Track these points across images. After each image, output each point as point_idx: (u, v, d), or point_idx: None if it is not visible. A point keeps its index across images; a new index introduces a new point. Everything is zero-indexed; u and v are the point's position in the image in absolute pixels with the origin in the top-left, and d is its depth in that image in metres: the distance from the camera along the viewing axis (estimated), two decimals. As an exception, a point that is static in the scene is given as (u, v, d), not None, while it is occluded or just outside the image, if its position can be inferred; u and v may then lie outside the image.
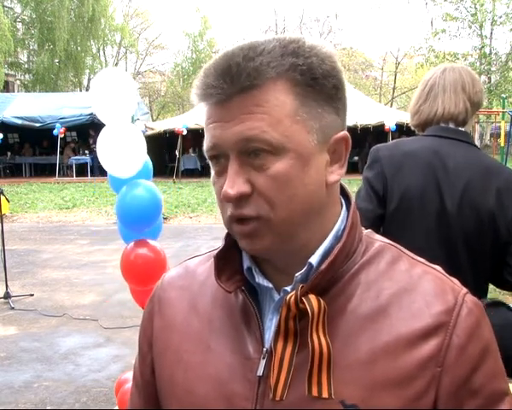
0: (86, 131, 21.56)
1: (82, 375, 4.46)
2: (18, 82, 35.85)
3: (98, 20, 32.48)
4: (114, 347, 5.05)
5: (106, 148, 2.45)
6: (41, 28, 30.94)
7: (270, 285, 0.78)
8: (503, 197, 1.78)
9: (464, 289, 0.77)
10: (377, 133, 19.62)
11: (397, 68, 37.93)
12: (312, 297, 0.73)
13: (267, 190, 0.71)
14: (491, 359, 0.74)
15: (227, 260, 0.81)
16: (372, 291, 0.76)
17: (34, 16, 31.86)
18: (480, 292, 1.78)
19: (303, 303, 0.72)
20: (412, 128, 2.02)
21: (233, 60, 0.71)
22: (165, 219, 10.74)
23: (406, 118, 21.41)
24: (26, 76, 34.93)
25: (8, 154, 22.62)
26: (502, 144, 14.84)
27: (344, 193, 0.83)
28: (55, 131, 19.92)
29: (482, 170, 1.81)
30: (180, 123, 19.89)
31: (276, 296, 0.78)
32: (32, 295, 6.61)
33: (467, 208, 1.78)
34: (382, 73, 41.05)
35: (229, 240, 0.80)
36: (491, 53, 24.79)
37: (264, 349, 0.77)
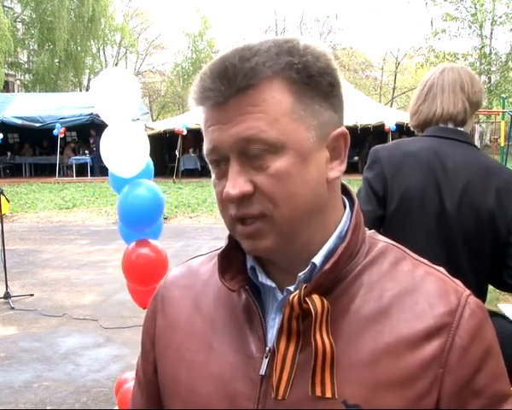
0: (86, 131, 21.58)
1: (82, 375, 4.46)
2: (18, 82, 35.85)
3: (98, 20, 32.48)
4: (114, 347, 5.05)
5: (110, 147, 2.44)
6: (41, 28, 30.95)
7: (274, 285, 0.78)
8: (503, 197, 1.78)
9: (467, 291, 0.77)
10: (377, 133, 19.62)
11: (397, 68, 37.93)
12: (316, 297, 0.73)
13: (269, 188, 0.72)
14: (493, 360, 0.74)
15: (230, 260, 0.81)
16: (375, 292, 0.76)
17: (34, 16, 31.86)
18: (480, 293, 1.78)
19: (306, 303, 0.72)
20: (411, 129, 2.02)
21: (229, 61, 0.71)
22: (165, 219, 10.74)
23: (406, 118, 21.29)
24: (26, 76, 34.93)
25: (8, 154, 22.63)
26: (502, 144, 14.84)
27: (347, 193, 0.84)
28: (55, 131, 19.92)
29: (482, 170, 1.81)
30: (180, 123, 19.89)
31: (280, 296, 0.78)
32: (32, 295, 6.61)
33: (466, 209, 1.77)
34: (382, 73, 41.06)
35: (233, 239, 0.80)
36: (491, 53, 24.80)
37: (267, 348, 0.77)
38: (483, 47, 24.51)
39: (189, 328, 0.85)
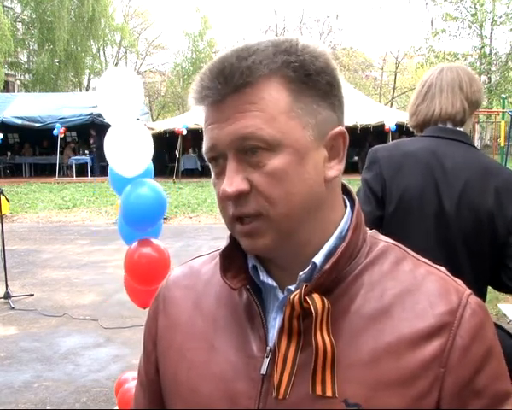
0: (86, 131, 21.59)
1: (82, 375, 4.46)
2: (18, 82, 35.85)
3: (98, 20, 32.50)
4: (114, 347, 5.05)
5: (114, 146, 2.44)
6: (41, 28, 30.95)
7: (275, 284, 0.79)
8: (502, 197, 1.77)
9: (468, 290, 0.77)
10: (377, 133, 19.62)
11: (397, 68, 37.93)
12: (316, 297, 0.73)
13: (265, 186, 0.72)
14: (494, 360, 0.74)
15: (232, 259, 0.81)
16: (376, 291, 0.76)
17: (34, 16, 31.87)
18: (479, 293, 1.77)
19: (307, 302, 0.73)
20: (411, 129, 2.02)
21: (227, 61, 0.72)
22: (165, 219, 10.74)
23: (406, 118, 21.29)
24: (26, 76, 34.94)
25: (8, 154, 22.63)
26: (502, 144, 14.84)
27: (348, 193, 0.84)
28: (55, 131, 19.93)
29: (481, 170, 1.80)
30: (180, 123, 19.90)
31: (281, 295, 0.78)
32: (32, 295, 6.61)
33: (465, 209, 1.77)
34: (382, 73, 41.06)
35: (234, 239, 0.81)
36: (491, 53, 24.81)
37: (268, 348, 0.77)
38: (483, 47, 24.52)
39: (191, 328, 0.85)
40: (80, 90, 35.18)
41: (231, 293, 0.82)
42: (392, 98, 38.90)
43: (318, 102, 0.74)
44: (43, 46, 31.48)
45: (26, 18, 33.27)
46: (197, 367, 0.82)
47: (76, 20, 31.95)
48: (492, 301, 4.88)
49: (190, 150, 21.48)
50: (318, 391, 0.71)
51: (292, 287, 0.76)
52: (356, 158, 19.99)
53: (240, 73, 0.71)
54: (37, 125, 20.92)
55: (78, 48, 32.66)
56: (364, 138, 19.69)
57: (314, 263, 0.76)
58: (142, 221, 2.59)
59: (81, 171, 21.38)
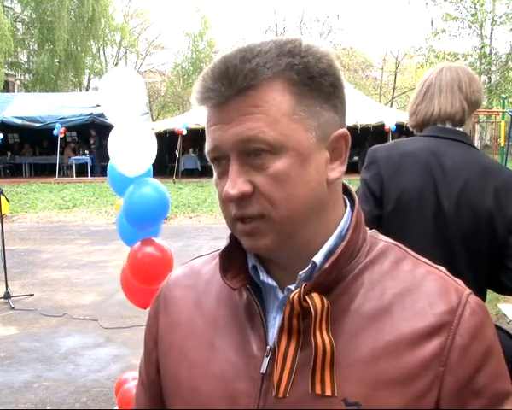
0: (86, 131, 21.60)
1: (82, 375, 4.46)
2: (18, 82, 35.86)
3: (98, 20, 32.52)
4: (114, 347, 5.06)
5: (119, 146, 2.44)
6: (41, 28, 30.97)
7: (275, 284, 0.79)
8: (502, 197, 1.77)
9: (468, 290, 0.77)
10: (377, 133, 19.62)
11: (397, 68, 37.94)
12: (316, 296, 0.73)
13: (268, 189, 0.72)
14: (494, 359, 0.74)
15: (232, 259, 0.81)
16: (376, 291, 0.76)
17: (34, 16, 31.89)
18: (479, 293, 1.77)
19: (306, 302, 0.73)
20: (410, 129, 2.02)
21: (230, 62, 0.72)
22: (165, 219, 10.74)
23: (406, 118, 21.28)
24: (26, 76, 34.96)
25: (8, 154, 22.64)
26: (502, 144, 14.84)
27: (348, 193, 0.84)
28: (55, 131, 19.94)
29: (480, 170, 1.80)
30: (180, 123, 19.90)
31: (281, 295, 0.79)
32: (32, 295, 6.61)
33: (464, 209, 1.77)
34: (382, 73, 41.06)
35: (234, 239, 0.81)
36: (491, 53, 24.81)
37: (268, 347, 0.77)
38: (483, 47, 24.52)
39: (191, 328, 0.85)
40: (80, 90, 35.19)
41: (231, 293, 0.82)
42: (392, 98, 38.91)
43: (321, 105, 0.74)
44: (43, 46, 31.49)
45: (26, 18, 33.28)
46: (197, 367, 0.82)
47: (76, 20, 31.96)
48: (492, 301, 4.88)
49: (190, 150, 21.49)
50: (318, 390, 0.72)
51: (292, 286, 0.76)
52: (356, 158, 19.98)
53: (244, 75, 0.71)
54: (37, 125, 20.93)
55: (78, 48, 32.67)
56: (364, 138, 19.70)
57: (314, 262, 0.76)
58: (145, 220, 2.60)
59: (81, 171, 21.38)
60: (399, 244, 0.82)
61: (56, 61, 32.15)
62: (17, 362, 4.73)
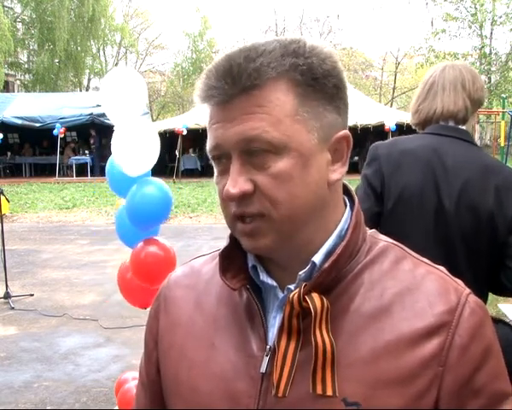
0: (86, 131, 21.60)
1: (82, 375, 4.46)
2: (18, 82, 35.86)
3: (98, 20, 32.52)
4: (114, 347, 5.06)
5: (122, 145, 2.44)
6: (41, 28, 30.98)
7: (275, 283, 0.79)
8: (503, 196, 1.77)
9: (467, 290, 0.77)
10: (377, 133, 19.60)
11: (397, 68, 37.92)
12: (315, 296, 0.73)
13: (269, 188, 0.72)
14: (493, 359, 0.74)
15: (232, 259, 0.81)
16: (376, 290, 0.76)
17: (34, 16, 31.89)
18: (479, 293, 1.77)
19: (306, 302, 0.73)
20: (413, 127, 2.02)
21: (234, 61, 0.72)
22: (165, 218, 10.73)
23: (406, 118, 21.42)
24: (26, 76, 34.96)
25: (8, 154, 22.64)
26: (502, 144, 14.85)
27: (348, 193, 0.84)
28: (55, 131, 19.94)
29: (481, 169, 1.80)
30: (180, 123, 19.90)
31: (280, 294, 0.79)
32: (32, 295, 6.61)
33: (465, 207, 1.77)
34: (382, 73, 41.05)
35: (234, 239, 0.81)
36: (491, 53, 24.82)
37: (268, 347, 0.77)
38: (483, 47, 24.52)
39: (191, 328, 0.85)
40: (80, 90, 35.19)
41: (231, 293, 0.83)
42: (392, 98, 38.91)
43: (324, 106, 0.74)
44: (43, 46, 31.50)
45: (26, 18, 33.28)
46: (198, 367, 0.82)
47: (76, 20, 31.97)
48: (492, 301, 4.88)
49: (190, 150, 21.49)
50: (319, 390, 0.72)
51: (292, 286, 0.77)
52: (356, 158, 19.99)
53: (248, 74, 0.71)
54: (37, 125, 20.92)
55: (78, 48, 32.68)
56: (364, 138, 19.68)
57: (313, 262, 0.76)
58: (149, 220, 2.60)
59: (81, 171, 21.39)
60: (399, 244, 0.82)
61: (56, 61, 32.15)
62: (17, 362, 4.73)
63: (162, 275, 2.52)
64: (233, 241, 0.81)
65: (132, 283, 2.75)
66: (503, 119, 15.00)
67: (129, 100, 2.46)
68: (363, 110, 19.01)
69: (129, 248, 2.75)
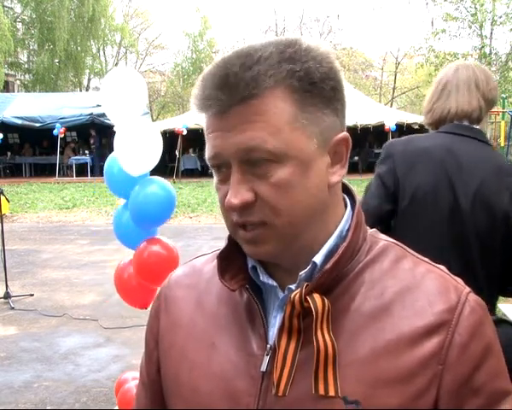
0: (86, 131, 21.60)
1: (82, 375, 4.46)
2: (18, 82, 35.86)
3: (98, 20, 32.52)
4: (114, 347, 5.06)
5: (125, 145, 2.44)
6: (41, 28, 30.98)
7: (275, 284, 0.79)
8: None
9: (467, 289, 0.77)
10: (377, 133, 19.64)
11: (397, 68, 37.92)
12: (317, 296, 0.73)
13: (270, 197, 0.72)
14: (493, 357, 0.74)
15: (230, 260, 0.82)
16: (376, 290, 0.76)
17: (34, 16, 31.89)
18: (491, 289, 1.79)
19: (307, 302, 0.73)
20: (426, 126, 2.02)
21: (230, 69, 0.71)
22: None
23: (406, 118, 21.40)
24: (26, 76, 34.96)
25: (8, 154, 22.64)
26: (502, 144, 14.84)
27: (348, 192, 0.84)
28: (55, 131, 19.94)
29: (495, 169, 1.81)
30: (180, 123, 19.91)
31: (281, 294, 0.79)
32: (32, 295, 6.61)
33: (480, 206, 1.78)
34: (382, 73, 41.05)
35: (232, 240, 0.81)
36: (491, 53, 24.80)
37: (268, 346, 0.77)
38: (483, 47, 24.50)
39: (192, 328, 0.85)
40: (80, 90, 35.19)
41: (232, 292, 0.83)
42: (392, 98, 38.91)
43: (322, 110, 0.74)
44: (43, 46, 31.49)
45: (26, 18, 33.28)
46: (199, 367, 0.82)
47: (76, 20, 31.97)
48: (492, 301, 4.88)
49: (190, 150, 21.49)
50: (321, 391, 0.72)
51: (292, 286, 0.77)
52: (356, 158, 20.00)
53: (245, 84, 0.70)
54: (37, 125, 20.92)
55: (78, 48, 32.68)
56: (364, 138, 19.72)
57: (314, 263, 0.76)
58: (152, 219, 2.60)
59: (81, 171, 21.39)
60: (399, 243, 0.82)
61: (56, 61, 32.15)
62: (17, 362, 4.73)
63: (166, 274, 2.52)
64: (232, 242, 0.81)
65: (129, 283, 2.74)
66: (503, 119, 14.99)
67: (129, 100, 2.45)
68: (363, 110, 19.00)
69: (128, 248, 2.75)
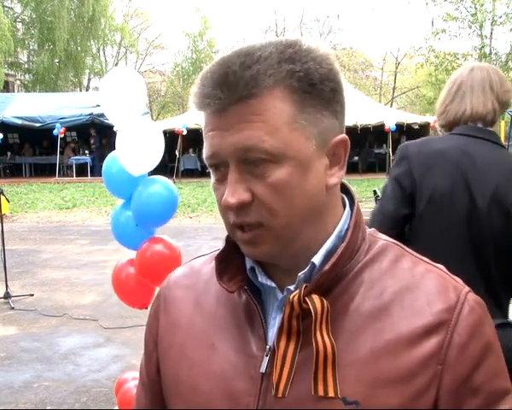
0: (86, 131, 21.60)
1: (82, 375, 4.46)
2: (18, 82, 35.86)
3: (98, 20, 32.53)
4: (114, 347, 5.06)
5: (128, 145, 2.44)
6: (41, 28, 30.98)
7: (273, 285, 0.79)
8: None
9: (467, 288, 0.77)
10: (377, 133, 19.63)
11: (397, 68, 37.92)
12: (316, 297, 0.73)
13: (267, 198, 0.72)
14: (492, 357, 0.74)
15: (229, 261, 0.81)
16: (375, 289, 0.76)
17: (34, 16, 31.90)
18: (505, 288, 1.79)
19: (306, 303, 0.73)
20: (438, 128, 2.02)
21: (230, 68, 0.71)
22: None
23: (406, 118, 21.39)
24: (26, 76, 34.96)
25: (8, 154, 22.64)
26: (502, 144, 14.84)
27: (347, 192, 0.84)
28: (55, 131, 19.95)
29: (510, 171, 1.82)
30: (180, 123, 19.91)
31: (280, 295, 0.79)
32: (32, 295, 6.61)
33: (495, 208, 1.78)
34: (382, 73, 41.04)
35: (231, 241, 0.81)
36: (491, 53, 24.79)
37: (268, 347, 0.77)
38: (483, 47, 24.49)
39: (191, 328, 0.85)
40: (80, 90, 35.19)
41: (230, 293, 0.82)
42: (392, 98, 38.92)
43: (321, 112, 0.74)
44: (43, 46, 31.50)
45: (26, 18, 33.28)
46: (198, 366, 0.82)
47: (76, 20, 31.98)
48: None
49: (190, 150, 21.48)
50: (320, 392, 0.72)
51: (291, 287, 0.76)
52: (356, 158, 20.00)
53: (244, 83, 0.70)
54: (37, 125, 20.92)
55: (78, 48, 32.69)
56: (364, 138, 19.71)
57: (313, 263, 0.76)
58: (155, 219, 2.60)
59: (81, 171, 21.39)
60: (398, 243, 0.82)
61: (56, 61, 32.15)
62: (17, 362, 4.73)
63: (168, 274, 2.52)
64: (230, 243, 0.81)
65: (127, 284, 2.74)
66: (503, 119, 14.99)
67: (128, 100, 2.45)
68: (363, 110, 18.99)
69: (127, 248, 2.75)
